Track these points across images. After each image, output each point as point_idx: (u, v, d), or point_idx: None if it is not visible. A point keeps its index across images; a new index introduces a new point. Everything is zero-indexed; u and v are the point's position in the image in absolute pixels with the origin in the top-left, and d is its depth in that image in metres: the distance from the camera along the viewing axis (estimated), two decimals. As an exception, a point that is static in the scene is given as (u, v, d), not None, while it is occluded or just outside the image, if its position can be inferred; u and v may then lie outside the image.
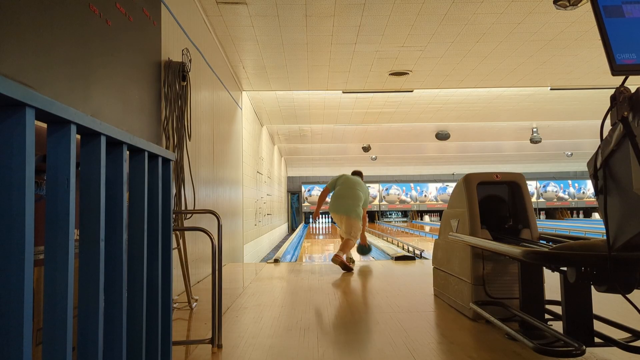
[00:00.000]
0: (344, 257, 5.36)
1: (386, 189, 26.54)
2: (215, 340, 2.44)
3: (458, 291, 3.12)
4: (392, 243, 11.72)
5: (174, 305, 3.34)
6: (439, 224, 3.78)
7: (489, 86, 8.43)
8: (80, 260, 1.07)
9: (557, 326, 2.28)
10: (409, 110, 10.41)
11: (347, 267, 5.23)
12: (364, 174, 6.25)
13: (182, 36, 4.21)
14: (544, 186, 26.61)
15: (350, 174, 6.23)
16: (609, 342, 2.07)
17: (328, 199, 6.04)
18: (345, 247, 5.51)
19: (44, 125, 0.95)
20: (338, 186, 5.96)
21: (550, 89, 8.73)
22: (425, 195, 26.72)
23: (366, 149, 15.72)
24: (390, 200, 26.54)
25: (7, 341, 0.78)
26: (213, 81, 5.58)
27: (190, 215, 3.71)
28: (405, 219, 27.08)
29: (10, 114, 0.80)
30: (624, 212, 1.50)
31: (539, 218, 25.34)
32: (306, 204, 25.85)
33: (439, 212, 25.40)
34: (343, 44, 6.09)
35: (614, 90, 1.46)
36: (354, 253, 5.95)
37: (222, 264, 3.15)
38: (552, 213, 26.84)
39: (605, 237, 1.62)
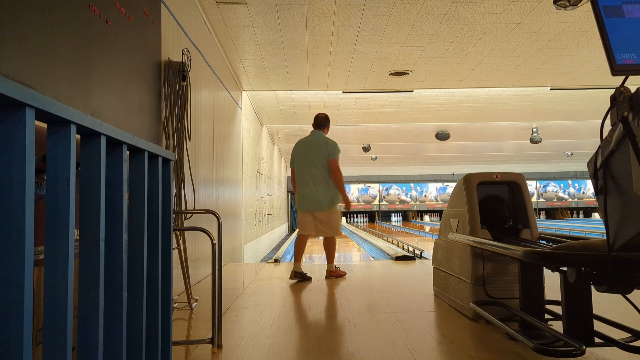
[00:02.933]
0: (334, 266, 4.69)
1: (386, 189, 26.50)
2: (215, 340, 2.44)
3: (458, 291, 3.12)
4: (392, 243, 11.72)
5: (174, 305, 3.34)
6: (439, 224, 3.78)
7: (489, 86, 8.43)
8: (80, 260, 1.07)
9: (557, 326, 2.27)
10: (409, 110, 10.41)
11: (341, 274, 4.75)
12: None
13: (182, 36, 4.21)
14: (544, 186, 26.63)
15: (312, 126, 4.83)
16: (609, 342, 2.07)
17: None
18: (331, 254, 4.71)
19: (44, 125, 0.95)
20: (295, 166, 4.78)
21: (550, 89, 8.73)
22: (425, 195, 26.72)
23: (366, 149, 15.72)
24: (390, 200, 26.50)
25: (7, 341, 0.78)
26: (213, 81, 5.58)
27: (190, 215, 3.71)
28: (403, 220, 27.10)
29: (10, 114, 0.80)
30: (624, 212, 1.50)
31: (539, 218, 25.36)
32: (306, 204, 25.77)
33: (439, 212, 25.40)
34: (343, 44, 6.09)
35: (614, 90, 1.45)
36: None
37: (222, 264, 3.15)
38: (552, 213, 26.86)
39: (605, 237, 1.62)
